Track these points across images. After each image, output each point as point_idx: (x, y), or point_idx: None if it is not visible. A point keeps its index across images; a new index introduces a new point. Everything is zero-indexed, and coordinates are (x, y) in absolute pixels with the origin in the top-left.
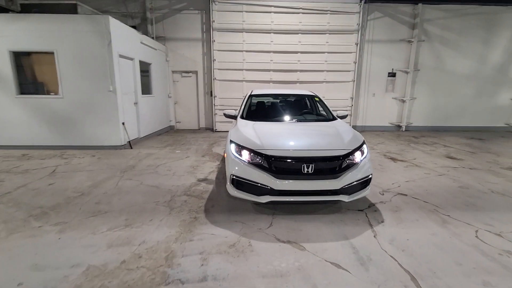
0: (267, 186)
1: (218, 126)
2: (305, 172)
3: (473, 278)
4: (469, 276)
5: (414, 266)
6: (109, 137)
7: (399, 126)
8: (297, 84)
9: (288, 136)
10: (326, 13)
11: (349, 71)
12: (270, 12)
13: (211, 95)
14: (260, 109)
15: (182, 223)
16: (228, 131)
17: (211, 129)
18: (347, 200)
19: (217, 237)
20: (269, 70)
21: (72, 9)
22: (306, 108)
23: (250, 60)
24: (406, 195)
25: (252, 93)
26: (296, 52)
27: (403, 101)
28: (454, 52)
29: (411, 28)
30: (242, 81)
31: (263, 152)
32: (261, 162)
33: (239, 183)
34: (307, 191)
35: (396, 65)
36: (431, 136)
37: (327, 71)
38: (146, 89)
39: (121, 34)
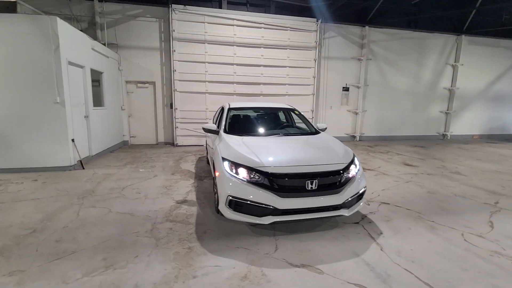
0: (270, 206)
1: (180, 140)
2: (309, 188)
3: (483, 283)
4: (479, 282)
5: (430, 277)
6: (54, 157)
7: (354, 136)
8: (261, 96)
9: (284, 151)
10: (287, 30)
11: (309, 85)
12: (232, 25)
13: (171, 107)
14: (242, 123)
15: (177, 256)
16: (191, 145)
17: (171, 143)
18: (348, 214)
19: (224, 269)
20: (232, 83)
21: (10, 8)
22: (286, 121)
23: (213, 72)
24: (388, 203)
25: (231, 106)
26: (259, 66)
27: (356, 113)
28: (395, 70)
29: (360, 47)
30: (204, 93)
31: (264, 170)
32: (261, 180)
33: (237, 204)
34: (311, 208)
35: (349, 81)
36: (382, 145)
37: (289, 84)
38: (97, 100)
39: (71, 38)
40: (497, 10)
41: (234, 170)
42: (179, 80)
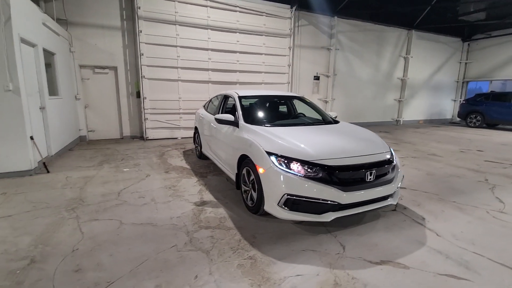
0: (332, 201)
1: (150, 134)
2: (368, 180)
3: None
4: None
5: (501, 258)
6: (9, 159)
7: None
8: (237, 85)
9: (328, 142)
10: (262, 15)
11: (284, 73)
12: (206, 6)
13: (138, 97)
14: (259, 112)
15: (244, 270)
16: (164, 139)
17: (139, 137)
18: (395, 203)
19: (308, 277)
20: (207, 69)
21: None
22: (296, 110)
23: (186, 57)
24: (404, 187)
25: (241, 95)
26: (235, 52)
27: (326, 102)
28: (359, 60)
29: (329, 37)
30: (177, 80)
31: (323, 163)
32: (318, 174)
33: (295, 203)
34: (366, 201)
35: (319, 70)
36: None
37: (265, 72)
38: (51, 88)
39: (22, 9)
40: (445, 9)
41: (284, 165)
42: (147, 66)
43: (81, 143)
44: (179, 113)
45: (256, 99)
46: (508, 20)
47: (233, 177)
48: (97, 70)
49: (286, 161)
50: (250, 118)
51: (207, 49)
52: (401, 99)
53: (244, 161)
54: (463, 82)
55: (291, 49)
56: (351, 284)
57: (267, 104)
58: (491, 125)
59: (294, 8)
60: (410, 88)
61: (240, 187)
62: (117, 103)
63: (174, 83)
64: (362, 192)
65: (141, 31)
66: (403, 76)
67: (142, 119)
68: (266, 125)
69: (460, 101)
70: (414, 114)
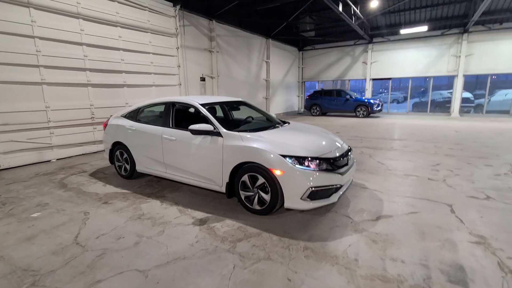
0: (337, 185)
1: (4, 161)
2: (348, 163)
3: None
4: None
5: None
6: None
7: None
8: (125, 88)
9: (313, 140)
10: (145, 10)
11: (174, 74)
12: None
13: None
14: (227, 120)
15: (310, 256)
16: (29, 165)
17: None
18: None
19: (356, 245)
20: (84, 69)
21: None
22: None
23: (51, 53)
24: None
25: (201, 102)
26: (118, 49)
27: None
28: (235, 63)
29: (210, 40)
30: (40, 83)
31: (327, 156)
32: (324, 166)
33: (314, 194)
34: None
35: (204, 71)
36: None
37: (155, 73)
38: None
39: None
40: (291, 25)
41: (299, 164)
42: None
43: None
44: (48, 128)
45: (213, 106)
46: (328, 38)
47: (213, 187)
48: None
49: (299, 160)
50: (226, 126)
51: (81, 44)
52: (267, 97)
53: (243, 168)
54: (302, 82)
55: (179, 49)
56: (383, 239)
57: (224, 110)
58: (324, 113)
59: (178, 7)
60: (272, 88)
61: (237, 195)
62: None
63: (36, 87)
64: (348, 173)
65: None
66: (267, 78)
67: None
68: (247, 131)
69: (302, 96)
70: (277, 109)
